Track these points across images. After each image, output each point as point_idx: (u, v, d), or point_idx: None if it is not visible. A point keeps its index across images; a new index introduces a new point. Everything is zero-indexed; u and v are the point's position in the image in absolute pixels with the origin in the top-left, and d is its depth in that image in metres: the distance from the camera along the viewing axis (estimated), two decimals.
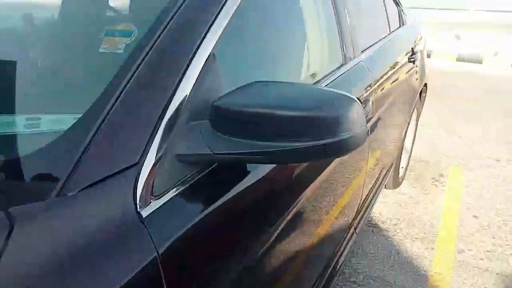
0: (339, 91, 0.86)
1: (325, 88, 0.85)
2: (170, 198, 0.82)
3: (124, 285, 0.68)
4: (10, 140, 0.85)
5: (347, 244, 1.96)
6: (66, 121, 0.85)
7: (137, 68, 0.83)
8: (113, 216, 0.72)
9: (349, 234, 1.99)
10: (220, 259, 0.89)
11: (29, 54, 1.22)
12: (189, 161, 0.86)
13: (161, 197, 0.81)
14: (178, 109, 0.84)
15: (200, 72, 0.90)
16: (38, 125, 0.88)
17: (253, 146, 0.81)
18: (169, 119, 0.83)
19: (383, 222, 2.98)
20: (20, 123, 0.87)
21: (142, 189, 0.77)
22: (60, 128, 0.82)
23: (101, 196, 0.72)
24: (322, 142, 0.80)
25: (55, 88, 1.02)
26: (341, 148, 0.83)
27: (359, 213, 2.09)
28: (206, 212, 0.87)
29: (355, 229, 2.07)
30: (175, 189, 0.84)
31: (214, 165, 0.92)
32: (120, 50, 0.91)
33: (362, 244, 2.72)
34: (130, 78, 0.82)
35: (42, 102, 0.95)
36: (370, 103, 1.74)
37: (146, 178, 0.78)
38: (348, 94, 0.86)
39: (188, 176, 0.87)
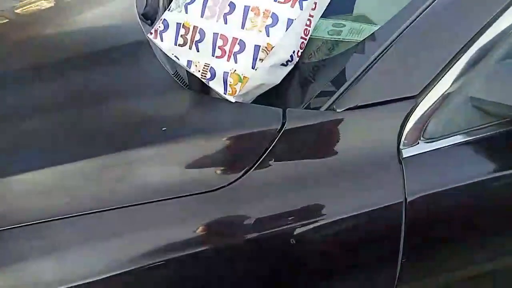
0: None
1: None
2: (445, 147, 0.68)
3: (362, 213, 0.66)
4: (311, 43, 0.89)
5: None
6: (364, 32, 0.81)
7: None
8: (371, 142, 0.68)
9: None
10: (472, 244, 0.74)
11: None
12: (489, 111, 0.67)
13: (434, 141, 0.69)
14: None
15: None
16: (340, 32, 0.88)
17: None
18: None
19: None
20: (325, 28, 0.89)
21: (413, 126, 0.67)
22: (356, 39, 0.79)
23: (366, 119, 0.68)
24: None
25: None
26: None
27: None
28: (482, 178, 0.70)
29: None
30: (456, 137, 0.69)
31: None
32: None
33: None
34: None
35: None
36: None
37: (422, 115, 0.67)
38: None
39: (481, 126, 0.69)
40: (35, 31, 1.18)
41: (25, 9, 1.38)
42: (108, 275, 0.59)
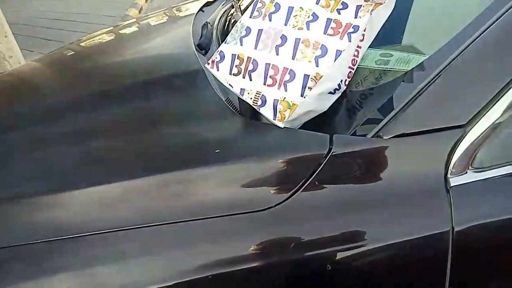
0: None
1: None
2: (494, 177, 0.68)
3: (407, 240, 0.66)
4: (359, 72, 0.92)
5: None
6: (412, 62, 0.83)
7: None
8: (418, 170, 0.69)
9: None
10: None
11: None
12: None
13: (483, 171, 0.68)
14: None
15: None
16: (387, 62, 0.90)
17: None
18: None
19: None
20: (372, 58, 0.92)
21: (461, 155, 0.67)
22: (403, 68, 0.81)
23: (413, 147, 0.69)
24: None
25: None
26: None
27: None
28: None
29: None
30: (506, 167, 0.68)
31: None
32: None
33: None
34: None
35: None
36: None
37: (470, 144, 0.67)
38: None
39: None
40: (99, 61, 1.30)
41: (88, 42, 1.53)
42: (159, 286, 0.64)
